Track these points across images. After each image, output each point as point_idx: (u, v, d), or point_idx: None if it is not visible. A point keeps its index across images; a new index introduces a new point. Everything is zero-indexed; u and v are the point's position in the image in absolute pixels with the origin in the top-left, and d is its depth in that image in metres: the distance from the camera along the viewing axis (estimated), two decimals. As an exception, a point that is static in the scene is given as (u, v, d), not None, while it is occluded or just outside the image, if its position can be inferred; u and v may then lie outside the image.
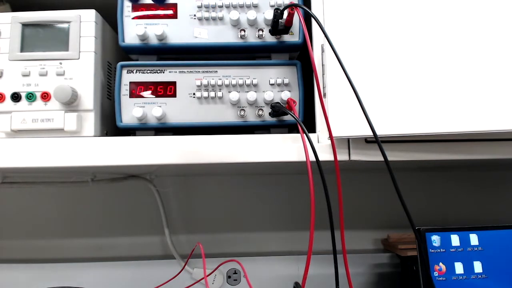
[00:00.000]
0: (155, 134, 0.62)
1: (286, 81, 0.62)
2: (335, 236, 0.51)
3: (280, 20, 0.60)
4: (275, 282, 0.86)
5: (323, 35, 0.55)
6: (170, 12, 0.62)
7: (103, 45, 0.64)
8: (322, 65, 0.59)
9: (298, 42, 0.62)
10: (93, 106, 0.60)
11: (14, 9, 0.72)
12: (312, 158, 0.53)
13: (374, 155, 0.58)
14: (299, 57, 0.67)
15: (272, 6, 0.62)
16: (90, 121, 0.60)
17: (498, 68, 0.54)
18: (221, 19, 0.62)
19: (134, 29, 0.61)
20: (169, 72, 0.62)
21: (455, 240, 0.67)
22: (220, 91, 0.61)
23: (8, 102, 0.60)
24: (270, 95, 0.61)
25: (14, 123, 0.59)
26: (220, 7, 0.62)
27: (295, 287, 0.82)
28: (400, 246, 0.81)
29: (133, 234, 0.91)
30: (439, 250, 0.66)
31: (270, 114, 0.62)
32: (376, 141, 0.50)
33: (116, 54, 0.70)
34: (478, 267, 0.66)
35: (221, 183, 0.93)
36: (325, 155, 0.57)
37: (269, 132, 0.64)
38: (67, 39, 0.61)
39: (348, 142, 0.58)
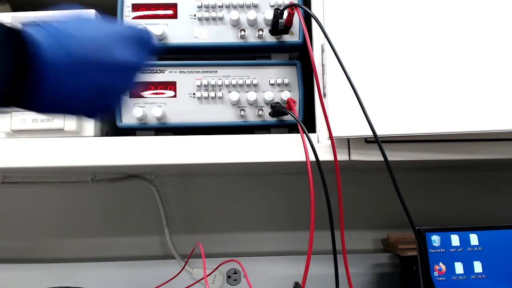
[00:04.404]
0: (155, 134, 0.62)
1: (286, 81, 0.62)
2: (335, 236, 0.51)
3: (280, 20, 0.60)
4: (275, 282, 0.86)
5: (323, 35, 0.54)
6: (170, 12, 0.62)
7: (103, 45, 0.64)
8: (322, 65, 0.59)
9: (298, 42, 0.62)
10: (93, 106, 0.60)
11: (14, 9, 0.72)
12: (312, 158, 0.53)
13: (374, 155, 0.58)
14: (299, 57, 0.67)
15: (272, 6, 0.62)
16: (90, 121, 0.60)
17: (497, 68, 0.54)
18: (221, 19, 0.62)
19: (134, 29, 0.61)
20: (169, 72, 0.62)
21: (455, 240, 0.67)
22: (220, 91, 0.61)
23: (8, 102, 0.60)
24: (270, 95, 0.61)
25: (14, 123, 0.59)
26: (220, 7, 0.62)
27: (295, 287, 0.82)
28: (400, 246, 0.81)
29: (133, 234, 0.91)
30: (439, 250, 0.66)
31: (270, 114, 0.61)
32: (376, 141, 0.50)
33: (116, 54, 0.70)
34: (478, 267, 0.66)
35: (221, 183, 0.93)
36: (325, 155, 0.57)
37: (269, 132, 0.64)
38: (67, 39, 0.61)
39: (348, 142, 0.58)
